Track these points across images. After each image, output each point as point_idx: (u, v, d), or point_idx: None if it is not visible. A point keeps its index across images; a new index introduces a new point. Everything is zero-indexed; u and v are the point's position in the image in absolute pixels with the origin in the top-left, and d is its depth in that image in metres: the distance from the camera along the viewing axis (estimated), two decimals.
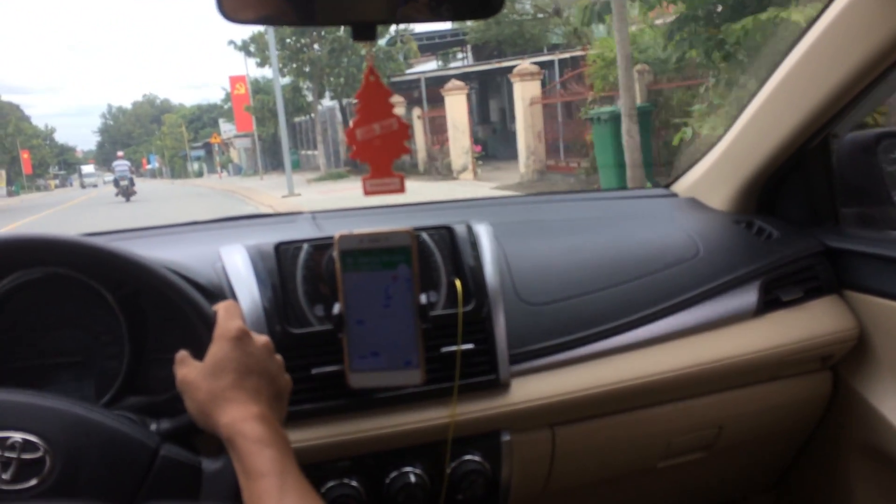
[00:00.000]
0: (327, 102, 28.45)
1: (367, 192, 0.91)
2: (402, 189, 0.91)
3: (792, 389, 1.36)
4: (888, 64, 1.14)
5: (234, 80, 38.64)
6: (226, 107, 49.01)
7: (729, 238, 1.40)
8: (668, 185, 1.69)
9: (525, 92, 15.63)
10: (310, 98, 25.90)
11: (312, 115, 26.71)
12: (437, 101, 23.80)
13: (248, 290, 1.05)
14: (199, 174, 60.78)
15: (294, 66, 23.99)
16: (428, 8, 0.73)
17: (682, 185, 1.64)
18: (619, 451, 1.29)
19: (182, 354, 0.85)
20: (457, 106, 18.06)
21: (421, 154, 21.63)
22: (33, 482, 0.73)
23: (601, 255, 1.30)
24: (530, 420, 1.15)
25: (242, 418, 0.76)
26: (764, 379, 1.32)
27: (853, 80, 1.18)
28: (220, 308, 0.87)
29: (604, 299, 1.22)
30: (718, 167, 1.53)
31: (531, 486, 1.22)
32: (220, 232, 1.34)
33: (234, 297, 1.05)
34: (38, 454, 0.74)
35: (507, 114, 26.09)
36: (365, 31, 0.76)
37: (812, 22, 1.21)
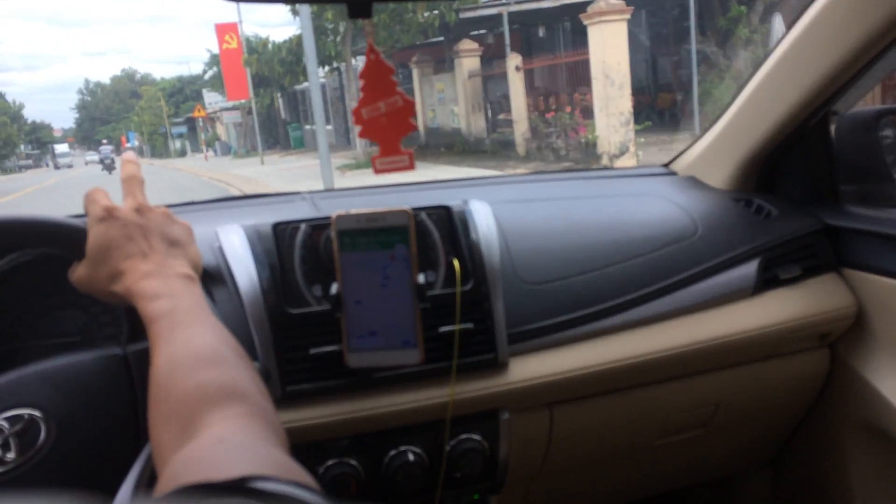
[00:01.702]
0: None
1: (377, 171, 0.91)
2: (411, 166, 0.90)
3: (789, 367, 1.36)
4: (888, 41, 1.13)
5: (223, 30, 27.39)
6: (209, 73, 39.05)
7: (728, 216, 1.40)
8: (667, 164, 1.69)
9: None
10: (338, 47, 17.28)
11: (342, 67, 18.42)
12: (533, 46, 17.44)
13: (245, 271, 1.05)
14: (182, 153, 54.76)
15: None
16: None
17: (682, 164, 1.63)
18: (616, 429, 1.30)
19: (73, 266, 0.87)
20: (611, 41, 10.91)
21: (520, 127, 14.09)
22: (39, 445, 0.75)
23: (600, 234, 1.29)
24: (529, 399, 1.16)
25: (133, 282, 0.80)
26: (761, 357, 1.33)
27: (853, 56, 1.17)
28: (84, 200, 0.87)
29: (602, 278, 1.22)
30: (718, 145, 1.52)
31: (529, 463, 1.23)
32: (216, 212, 1.33)
33: (231, 277, 1.05)
34: (24, 424, 0.76)
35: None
36: (360, 9, 0.75)
37: None
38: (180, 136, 58.07)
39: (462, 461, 1.11)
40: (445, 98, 17.76)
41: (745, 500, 1.73)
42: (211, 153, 40.12)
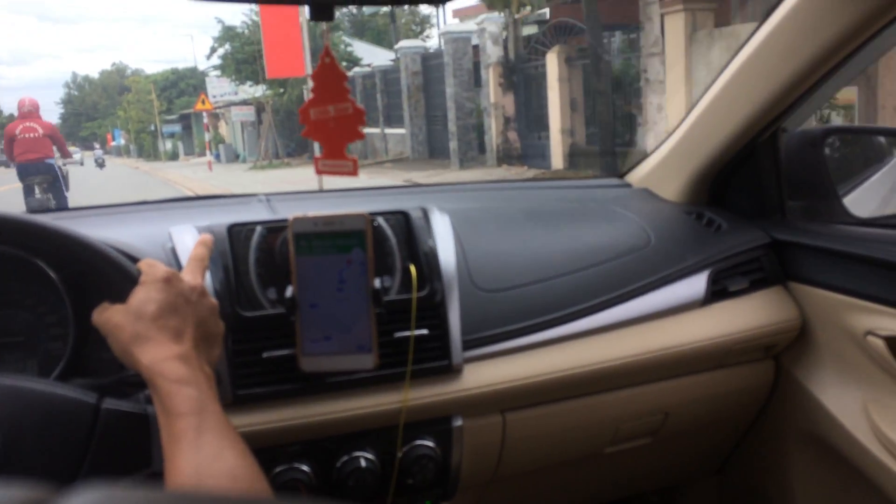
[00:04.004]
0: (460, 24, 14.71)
1: (318, 172, 0.91)
2: (354, 172, 0.90)
3: (736, 378, 1.40)
4: (836, 61, 1.17)
5: None
6: (220, 52, 25.18)
7: (679, 229, 1.42)
8: (622, 176, 1.71)
9: None
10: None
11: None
12: None
13: None
14: (174, 156, 45.30)
15: None
16: None
17: (636, 176, 1.66)
18: (568, 436, 1.31)
19: (104, 304, 0.84)
20: None
21: None
22: None
23: (555, 243, 1.31)
24: (481, 406, 1.16)
25: (163, 358, 0.76)
26: (709, 367, 1.35)
27: (803, 75, 1.20)
28: (144, 262, 0.85)
29: (557, 287, 1.23)
30: (671, 159, 1.55)
31: (481, 470, 1.23)
32: (170, 212, 1.31)
33: None
34: None
35: None
36: (322, 12, 0.75)
37: (765, 17, 1.24)
38: (172, 135, 48.90)
39: (414, 467, 1.11)
40: None
41: None
42: (212, 159, 27.63)
